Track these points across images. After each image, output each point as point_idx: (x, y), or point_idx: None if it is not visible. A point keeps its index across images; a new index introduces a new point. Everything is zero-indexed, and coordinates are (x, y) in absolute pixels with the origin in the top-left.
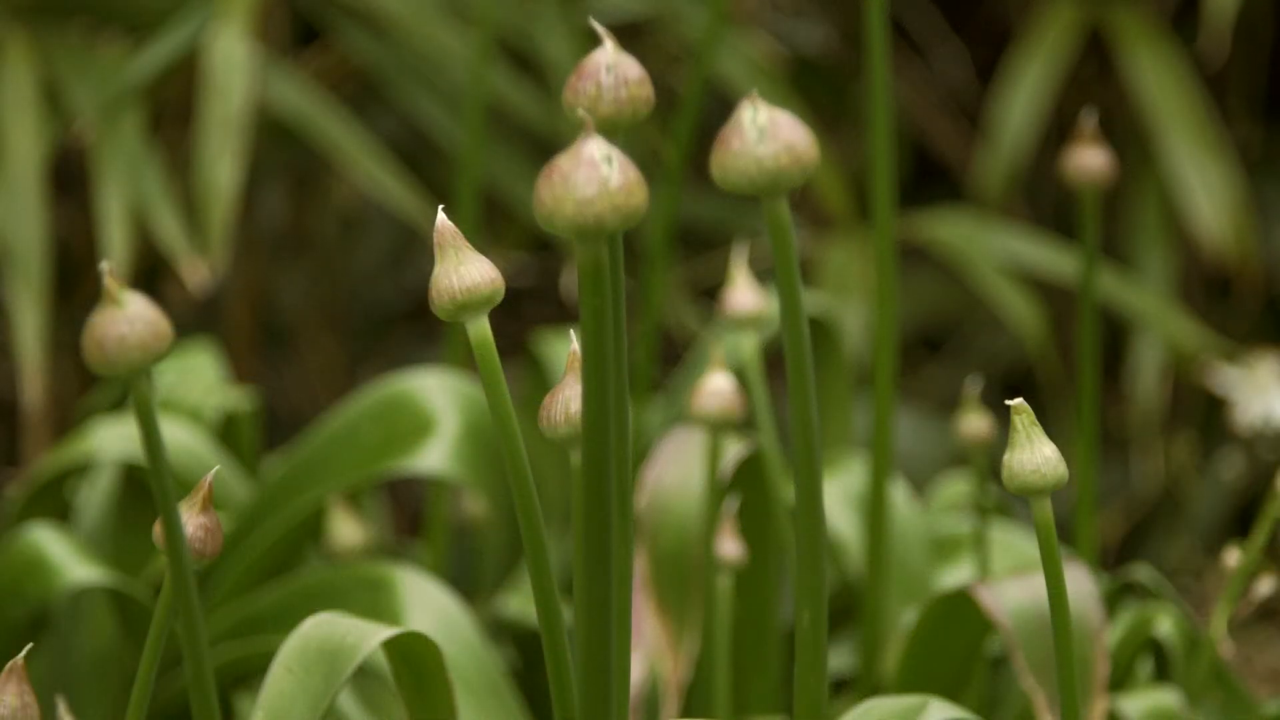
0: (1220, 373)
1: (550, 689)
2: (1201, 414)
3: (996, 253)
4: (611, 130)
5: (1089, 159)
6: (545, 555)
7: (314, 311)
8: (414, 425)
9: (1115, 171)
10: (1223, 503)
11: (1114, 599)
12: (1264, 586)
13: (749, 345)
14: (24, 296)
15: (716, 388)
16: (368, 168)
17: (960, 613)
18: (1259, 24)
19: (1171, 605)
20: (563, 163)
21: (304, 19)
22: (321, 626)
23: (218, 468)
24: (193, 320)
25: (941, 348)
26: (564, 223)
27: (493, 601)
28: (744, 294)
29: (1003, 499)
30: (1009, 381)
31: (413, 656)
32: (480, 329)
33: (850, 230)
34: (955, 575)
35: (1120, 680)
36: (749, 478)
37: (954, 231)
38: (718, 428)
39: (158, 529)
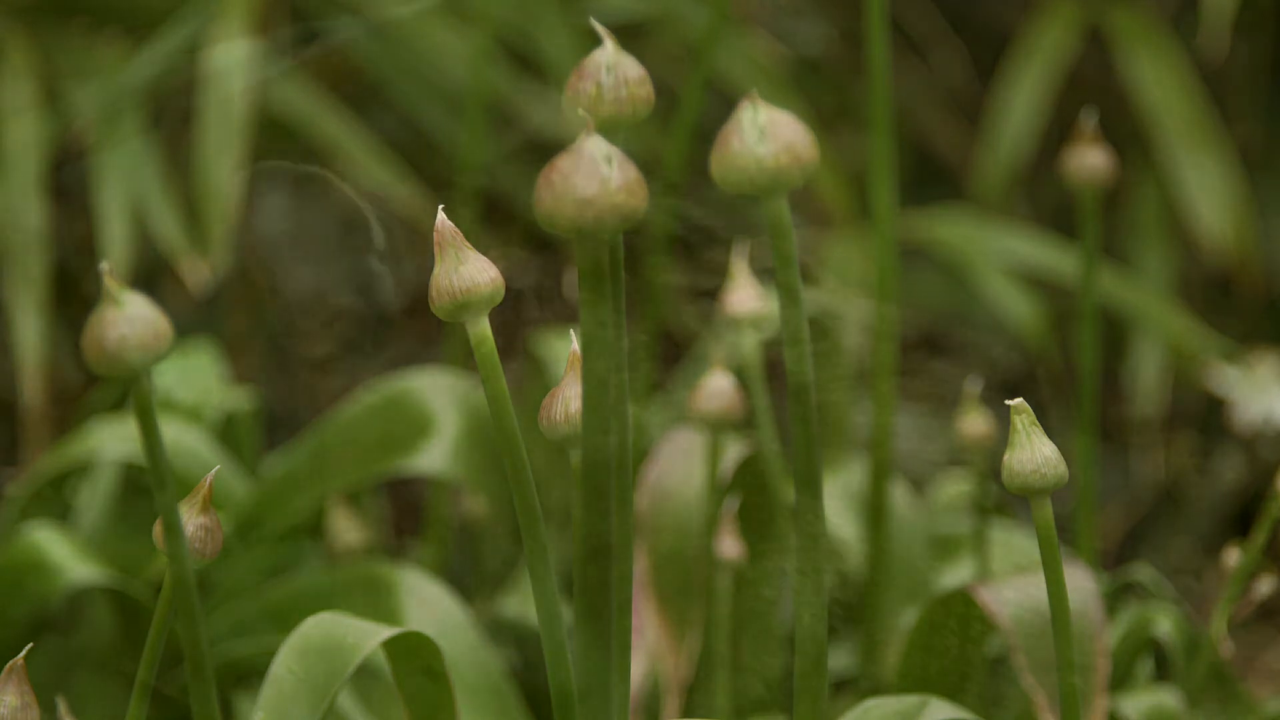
0: (1220, 373)
1: (550, 689)
2: (1201, 414)
3: (996, 253)
4: (611, 130)
5: (1089, 159)
6: (545, 555)
7: (314, 311)
8: (414, 425)
9: (1115, 171)
10: (1223, 503)
11: (1114, 599)
12: (1264, 586)
13: (749, 345)
14: (24, 296)
15: (716, 388)
16: (368, 167)
17: (960, 613)
18: (1259, 24)
19: (1171, 605)
20: (563, 162)
21: (304, 19)
22: (321, 626)
23: (218, 468)
24: (193, 320)
25: (941, 348)
26: (564, 222)
27: (493, 601)
28: (744, 294)
29: (1003, 499)
30: (1009, 381)
31: (413, 656)
32: (480, 329)
33: (850, 230)
34: (955, 575)
35: (1120, 680)
36: (749, 478)
37: (954, 231)
38: (718, 428)
39: (158, 529)
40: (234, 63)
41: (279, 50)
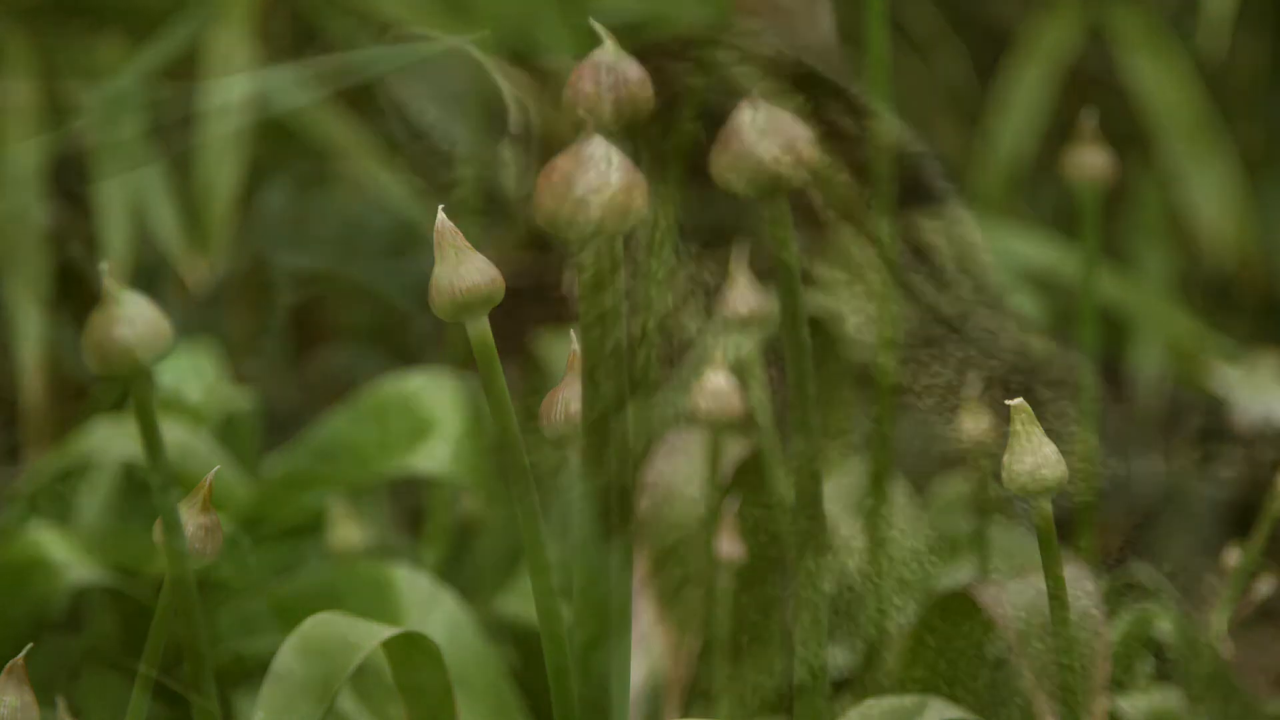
0: (1220, 373)
1: (550, 689)
2: (1201, 414)
3: (997, 253)
4: (611, 130)
5: (1089, 159)
6: (545, 555)
7: (314, 311)
8: (414, 425)
9: (1116, 171)
10: (1223, 503)
11: (1114, 599)
12: (1264, 586)
13: (749, 345)
14: (24, 296)
15: (716, 388)
16: (368, 168)
17: (960, 613)
18: (1259, 23)
19: (1171, 605)
20: (563, 163)
21: (304, 19)
22: (321, 626)
23: (218, 467)
24: (195, 320)
25: (941, 348)
26: (563, 223)
27: (493, 601)
28: (744, 294)
29: (1003, 499)
30: (1009, 381)
31: (413, 656)
32: (480, 329)
33: (850, 230)
34: (955, 575)
35: (1120, 680)
36: (749, 478)
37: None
38: (718, 428)
39: (158, 529)
40: (234, 63)
41: (279, 50)
